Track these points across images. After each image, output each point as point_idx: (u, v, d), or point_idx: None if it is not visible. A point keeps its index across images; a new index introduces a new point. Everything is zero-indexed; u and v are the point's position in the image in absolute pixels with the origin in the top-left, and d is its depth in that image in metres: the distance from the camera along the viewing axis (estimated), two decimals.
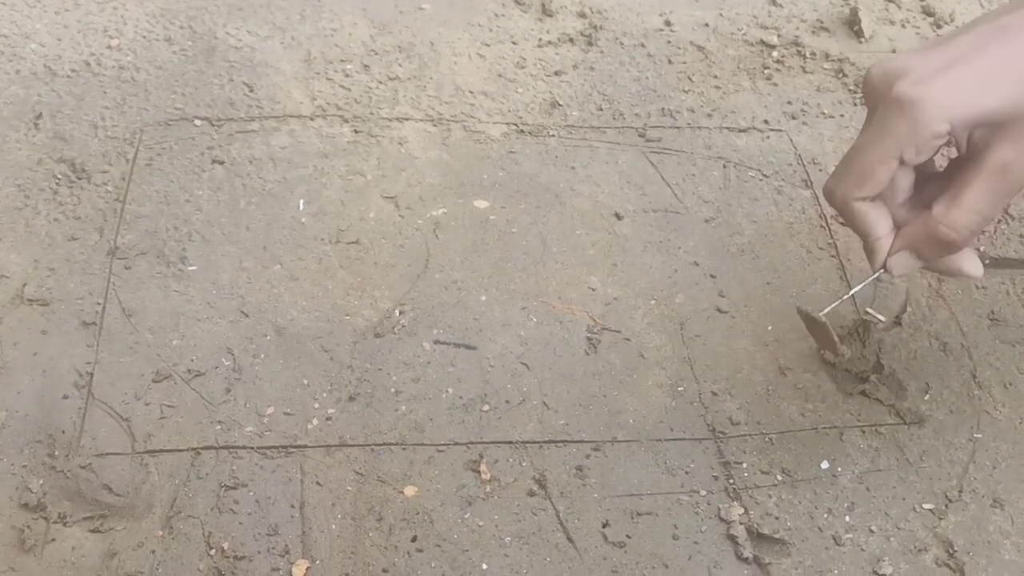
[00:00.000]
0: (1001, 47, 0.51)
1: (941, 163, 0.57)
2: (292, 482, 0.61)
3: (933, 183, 0.56)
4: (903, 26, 0.98)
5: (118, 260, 0.71)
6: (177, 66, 0.86)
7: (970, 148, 0.53)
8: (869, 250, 0.56)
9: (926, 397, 0.68)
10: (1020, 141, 0.51)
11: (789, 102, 0.89)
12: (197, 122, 0.81)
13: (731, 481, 0.63)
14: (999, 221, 0.79)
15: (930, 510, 0.62)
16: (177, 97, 0.83)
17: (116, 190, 0.76)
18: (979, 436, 0.66)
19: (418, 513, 0.60)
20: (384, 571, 0.58)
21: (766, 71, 0.92)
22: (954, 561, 0.60)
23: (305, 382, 0.66)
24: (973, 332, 0.72)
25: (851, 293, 0.62)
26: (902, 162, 0.51)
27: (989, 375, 0.70)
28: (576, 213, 0.78)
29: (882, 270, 0.55)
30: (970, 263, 0.56)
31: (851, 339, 0.69)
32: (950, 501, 0.63)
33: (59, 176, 0.76)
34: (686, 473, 0.63)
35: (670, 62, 0.92)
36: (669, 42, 0.94)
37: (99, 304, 0.69)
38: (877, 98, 0.52)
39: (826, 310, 0.60)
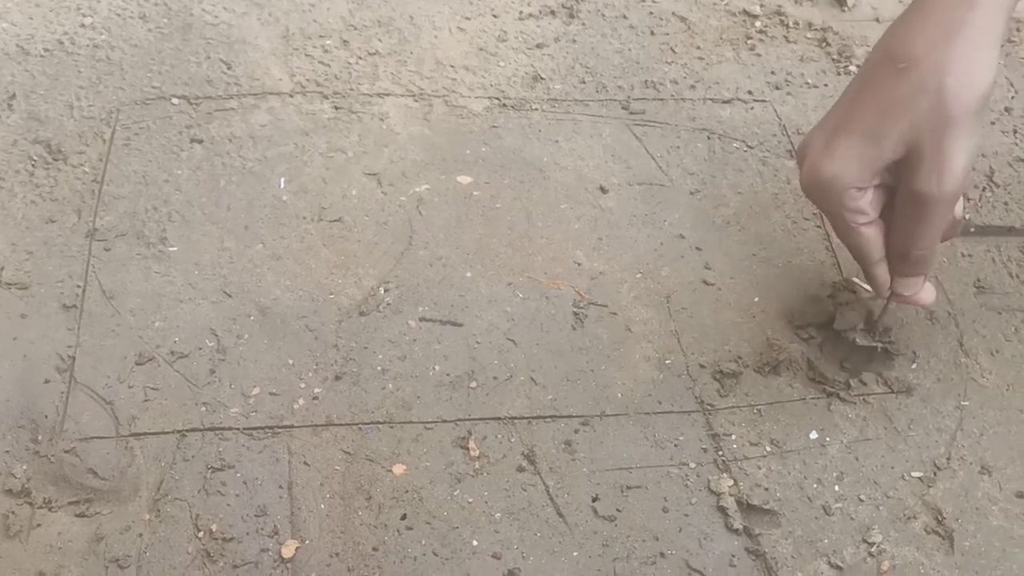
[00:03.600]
0: (865, 104, 0.55)
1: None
2: (279, 462, 0.61)
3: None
4: None
5: (97, 242, 0.70)
6: (153, 44, 0.84)
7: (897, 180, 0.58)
8: (871, 279, 0.64)
9: (913, 366, 0.68)
10: (924, 168, 0.55)
11: (773, 72, 0.88)
12: (175, 101, 0.80)
13: (720, 453, 0.63)
14: (984, 188, 0.79)
15: (919, 478, 0.63)
16: (153, 76, 0.82)
17: (93, 171, 0.74)
18: (966, 404, 0.66)
19: (407, 491, 0.60)
20: (374, 549, 0.58)
21: (749, 41, 0.91)
22: (943, 528, 0.61)
23: (290, 362, 0.65)
24: (959, 300, 0.72)
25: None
26: (864, 215, 0.58)
27: (976, 343, 0.70)
28: (560, 187, 0.77)
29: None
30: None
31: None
32: (938, 469, 0.63)
33: (35, 158, 0.75)
34: (675, 446, 0.63)
35: (652, 33, 0.91)
36: (651, 13, 0.93)
37: (79, 287, 0.68)
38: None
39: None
